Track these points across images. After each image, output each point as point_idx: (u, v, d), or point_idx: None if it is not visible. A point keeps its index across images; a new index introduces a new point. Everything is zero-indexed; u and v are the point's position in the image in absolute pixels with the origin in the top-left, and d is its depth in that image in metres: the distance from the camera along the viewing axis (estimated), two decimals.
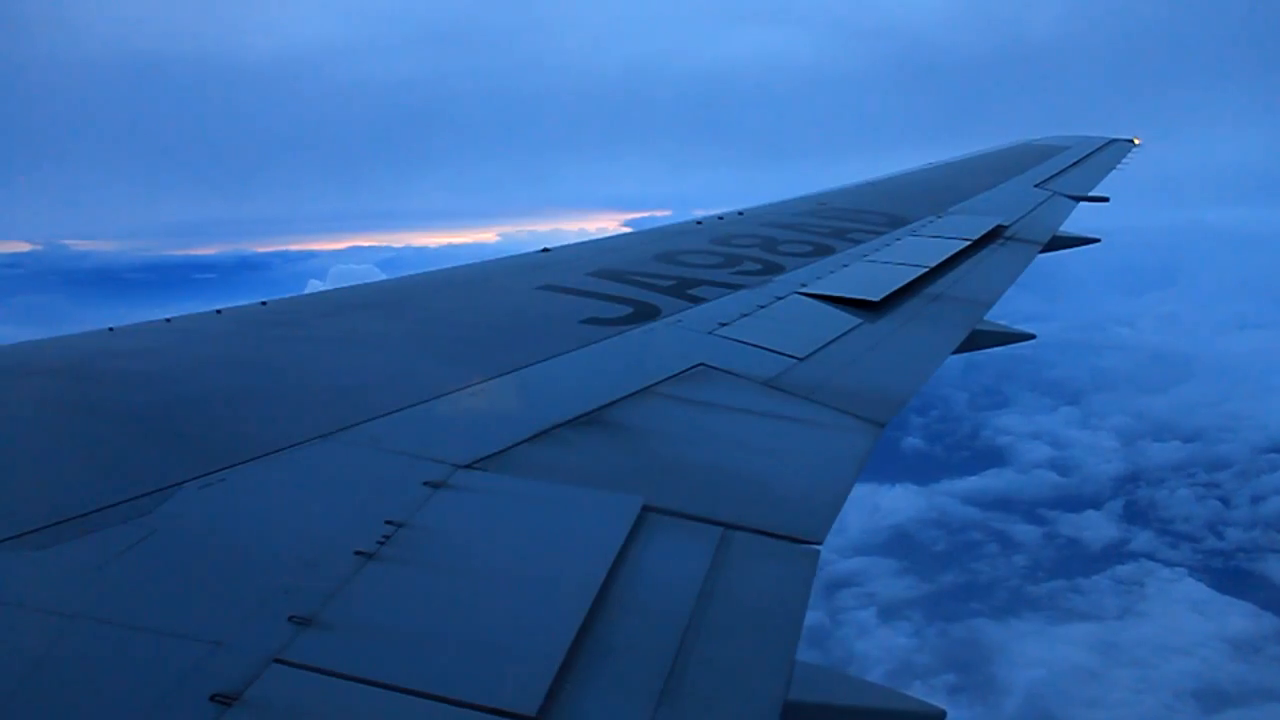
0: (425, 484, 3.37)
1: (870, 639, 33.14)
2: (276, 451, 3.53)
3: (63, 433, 3.74)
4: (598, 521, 3.33)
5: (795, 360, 5.32)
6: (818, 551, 3.32)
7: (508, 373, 4.65)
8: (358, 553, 2.88)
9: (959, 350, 6.28)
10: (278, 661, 2.36)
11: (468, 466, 3.55)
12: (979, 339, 6.56)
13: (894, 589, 36.43)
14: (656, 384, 4.66)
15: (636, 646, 2.66)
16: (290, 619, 2.52)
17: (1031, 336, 7.21)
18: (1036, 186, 12.53)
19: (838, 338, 5.83)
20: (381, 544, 2.95)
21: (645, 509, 3.39)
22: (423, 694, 2.32)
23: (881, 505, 43.02)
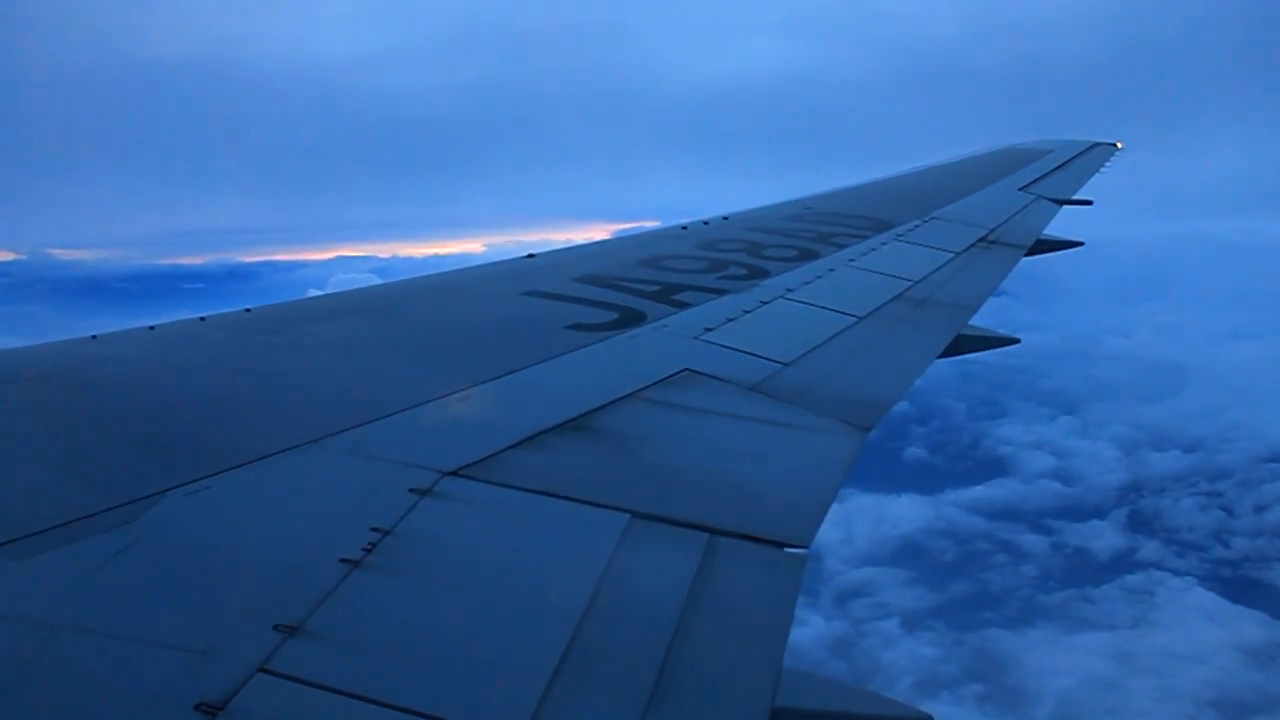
0: (411, 491, 3.36)
1: (892, 649, 32.97)
2: (262, 459, 3.52)
3: (46, 440, 3.71)
4: (585, 533, 3.33)
5: (781, 365, 5.33)
6: (804, 556, 3.32)
7: (493, 379, 4.64)
8: (343, 560, 2.87)
9: (944, 354, 6.30)
10: (263, 671, 2.35)
11: (454, 473, 3.54)
12: (964, 343, 6.58)
13: (905, 599, 36.38)
14: (642, 389, 4.66)
15: (623, 655, 2.66)
16: (276, 628, 2.52)
17: (1016, 341, 7.23)
18: (1020, 190, 12.58)
19: (823, 342, 5.84)
20: (367, 552, 2.94)
21: (632, 515, 3.39)
22: (408, 710, 2.31)
23: (888, 515, 42.94)
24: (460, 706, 2.36)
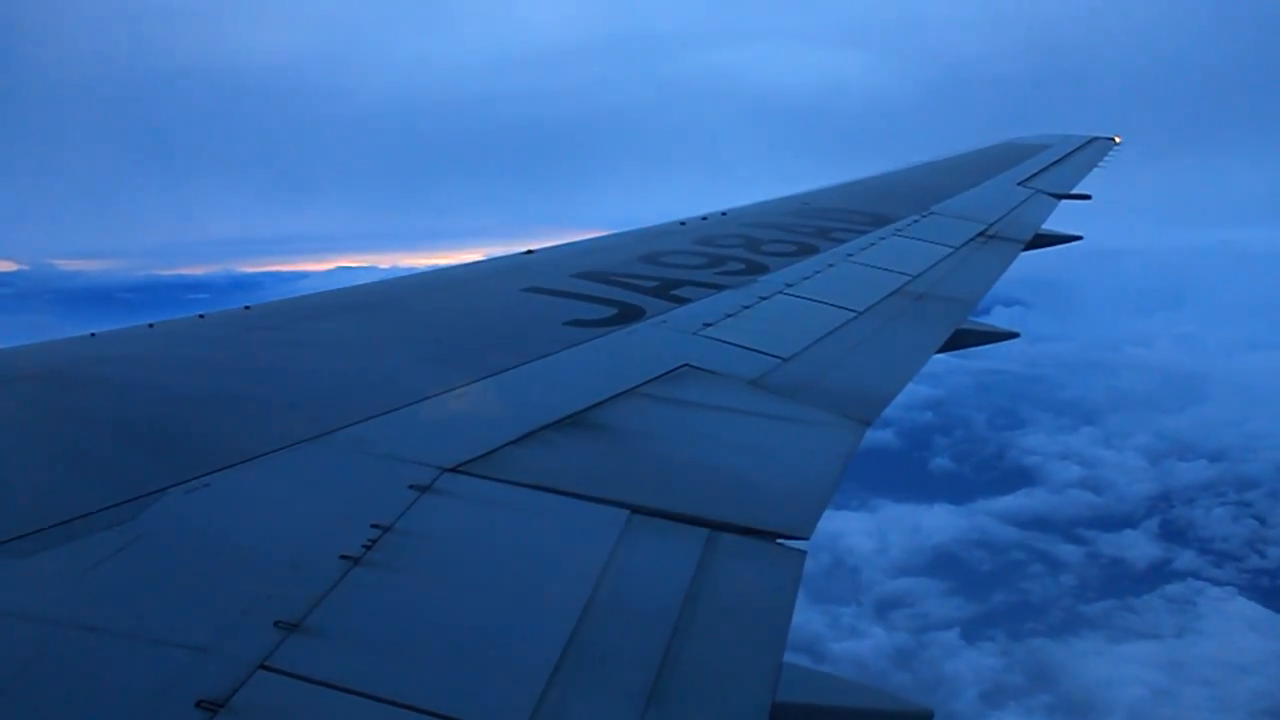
0: (411, 487, 3.36)
1: (954, 659, 32.80)
2: (261, 456, 3.52)
3: (45, 438, 3.71)
4: (585, 528, 3.33)
5: (780, 360, 5.33)
6: (804, 551, 3.32)
7: (492, 375, 4.64)
8: (343, 557, 2.87)
9: (943, 349, 6.31)
10: (264, 668, 2.35)
11: (454, 469, 3.54)
12: (963, 338, 6.58)
13: (945, 609, 36.23)
14: (641, 385, 4.66)
15: (624, 650, 2.66)
16: (276, 624, 2.52)
17: (1015, 335, 7.24)
18: (1019, 185, 12.58)
19: (822, 337, 5.84)
20: (367, 548, 2.94)
21: (631, 510, 3.39)
22: (409, 706, 2.31)
23: (921, 525, 42.83)
24: (462, 702, 2.36)
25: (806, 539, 3.37)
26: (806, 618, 33.12)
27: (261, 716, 2.21)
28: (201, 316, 5.58)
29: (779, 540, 3.36)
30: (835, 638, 32.82)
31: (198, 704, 2.20)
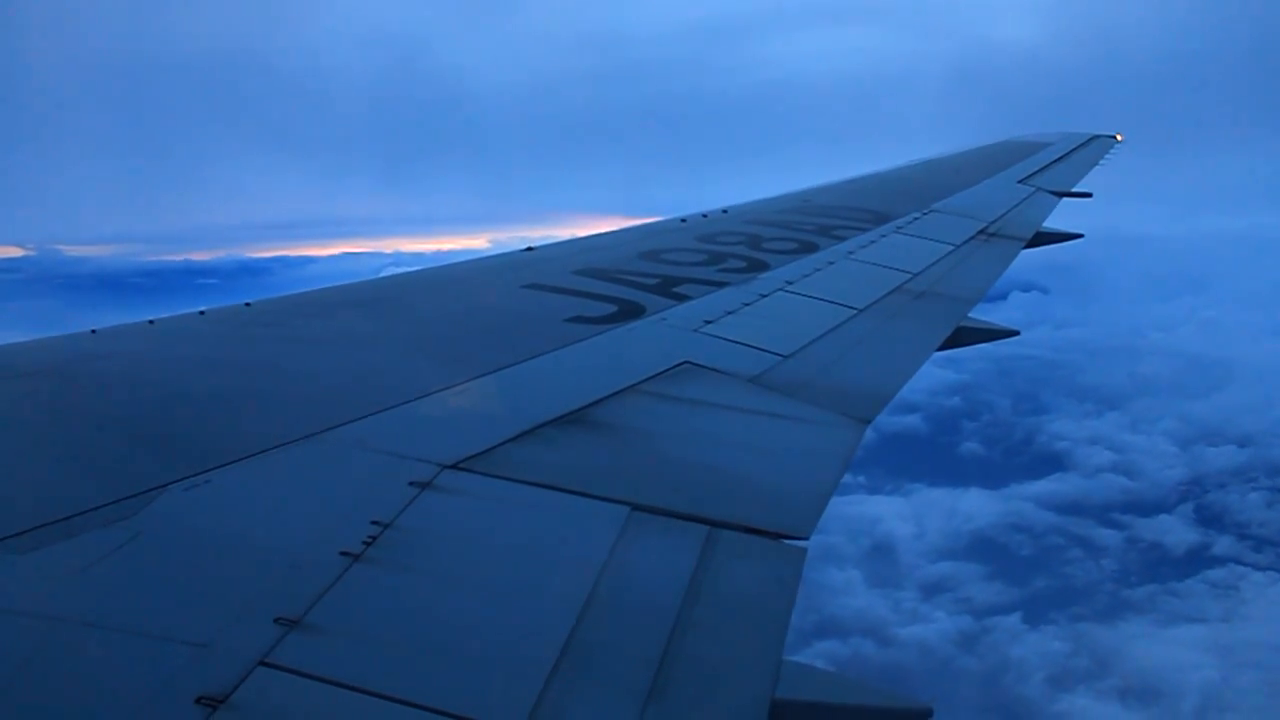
0: (411, 484, 3.37)
1: (1007, 642, 32.69)
2: (261, 452, 3.52)
3: (45, 435, 3.71)
4: (585, 525, 3.33)
5: (780, 357, 5.33)
6: (804, 549, 3.32)
7: (492, 372, 4.64)
8: (343, 553, 2.88)
9: (944, 346, 6.31)
10: (264, 665, 2.35)
11: (454, 466, 3.54)
12: (963, 335, 6.58)
13: (988, 594, 36.12)
14: (641, 382, 4.66)
15: (623, 647, 2.66)
16: (276, 621, 2.52)
17: (1015, 333, 7.23)
18: (1019, 183, 12.58)
19: (823, 335, 5.84)
20: (367, 545, 2.94)
21: (632, 508, 3.40)
22: (409, 703, 2.32)
23: (958, 510, 42.63)
24: (462, 699, 2.36)
25: (806, 539, 3.37)
26: (868, 602, 33.37)
27: (261, 713, 2.21)
28: (202, 313, 5.58)
29: (779, 539, 3.37)
30: (899, 622, 32.70)
31: (197, 700, 2.20)
